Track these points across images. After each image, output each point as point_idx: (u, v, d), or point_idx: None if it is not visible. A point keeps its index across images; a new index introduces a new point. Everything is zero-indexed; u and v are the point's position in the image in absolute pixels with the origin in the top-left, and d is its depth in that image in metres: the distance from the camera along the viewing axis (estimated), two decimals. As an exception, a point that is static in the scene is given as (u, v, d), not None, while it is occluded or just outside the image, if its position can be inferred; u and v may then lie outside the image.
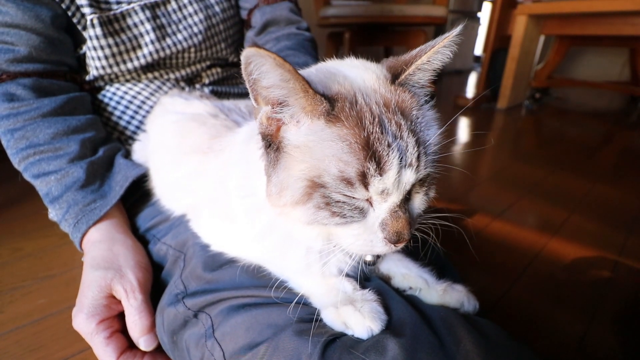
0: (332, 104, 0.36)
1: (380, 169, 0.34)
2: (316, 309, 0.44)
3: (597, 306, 0.88)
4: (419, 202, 0.41)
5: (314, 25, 1.00)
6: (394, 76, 0.40)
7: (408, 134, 0.36)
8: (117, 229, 0.66)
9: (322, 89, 0.37)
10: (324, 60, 0.45)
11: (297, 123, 0.37)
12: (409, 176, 0.36)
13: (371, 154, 0.34)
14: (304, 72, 0.41)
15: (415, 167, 0.36)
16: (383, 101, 0.37)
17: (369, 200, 0.38)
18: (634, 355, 0.75)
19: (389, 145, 0.35)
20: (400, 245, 0.39)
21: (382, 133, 0.35)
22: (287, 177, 0.37)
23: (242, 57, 0.33)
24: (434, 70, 0.41)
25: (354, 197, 0.36)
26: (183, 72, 0.88)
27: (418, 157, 0.36)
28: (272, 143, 0.39)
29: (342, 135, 0.35)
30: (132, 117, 0.83)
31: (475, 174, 1.75)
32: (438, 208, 0.45)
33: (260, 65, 0.33)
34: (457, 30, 0.37)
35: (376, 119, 0.35)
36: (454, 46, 0.39)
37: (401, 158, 0.35)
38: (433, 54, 0.39)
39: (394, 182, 0.35)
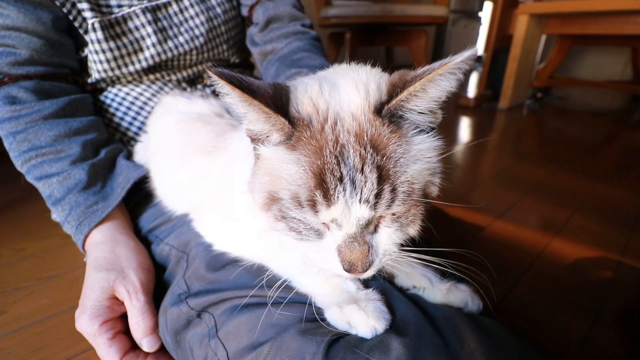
0: (294, 128, 0.36)
1: (328, 200, 0.34)
2: (320, 308, 0.44)
3: (600, 306, 0.87)
4: (386, 236, 0.38)
5: (314, 26, 0.99)
6: (389, 98, 0.36)
7: (372, 168, 0.34)
8: (119, 230, 0.66)
9: (293, 110, 0.37)
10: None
11: (267, 137, 0.38)
12: (363, 212, 0.34)
13: (320, 183, 0.34)
14: (306, 80, 0.41)
15: (372, 204, 0.34)
16: (356, 130, 0.35)
17: (325, 224, 0.38)
18: (637, 355, 0.75)
19: (340, 179, 0.33)
20: (361, 276, 0.38)
21: (337, 164, 0.34)
22: (254, 183, 0.40)
23: (212, 77, 0.34)
24: (436, 100, 0.36)
25: (307, 218, 0.37)
26: (185, 74, 0.88)
27: (378, 195, 0.34)
28: (255, 146, 0.40)
29: (299, 160, 0.35)
30: (134, 119, 0.83)
31: (477, 173, 1.75)
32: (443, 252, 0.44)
33: (221, 87, 0.34)
34: (462, 56, 0.33)
35: (338, 149, 0.34)
36: (458, 74, 0.34)
37: (355, 193, 0.34)
38: (427, 82, 0.34)
39: (342, 214, 0.35)
